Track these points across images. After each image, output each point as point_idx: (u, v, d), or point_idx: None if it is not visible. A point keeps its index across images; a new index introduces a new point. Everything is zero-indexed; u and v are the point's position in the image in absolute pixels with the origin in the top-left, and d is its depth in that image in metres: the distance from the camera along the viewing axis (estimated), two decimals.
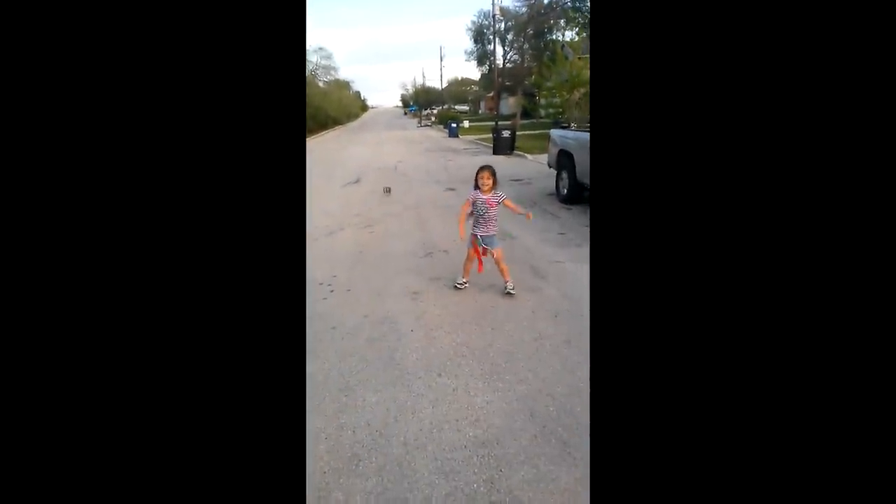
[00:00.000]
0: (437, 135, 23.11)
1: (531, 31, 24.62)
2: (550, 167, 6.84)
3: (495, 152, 12.53)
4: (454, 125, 21.11)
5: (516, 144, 12.77)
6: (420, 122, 35.70)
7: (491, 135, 13.39)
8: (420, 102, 53.58)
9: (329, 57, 34.37)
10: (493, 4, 21.33)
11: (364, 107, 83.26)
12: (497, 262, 3.22)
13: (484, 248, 3.18)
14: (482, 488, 1.60)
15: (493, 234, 3.18)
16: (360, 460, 1.75)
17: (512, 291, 3.21)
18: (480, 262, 3.24)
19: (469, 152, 13.88)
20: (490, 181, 3.11)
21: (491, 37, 26.13)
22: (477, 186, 3.16)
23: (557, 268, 3.72)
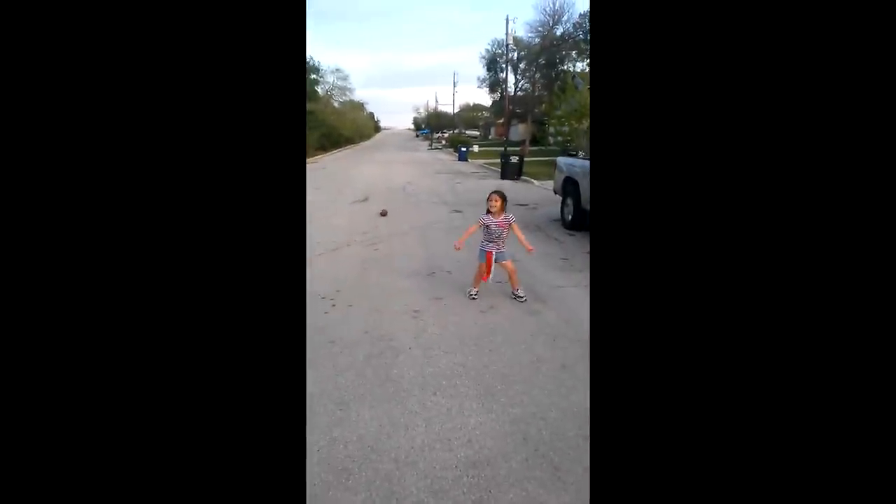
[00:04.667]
0: (447, 158, 23.22)
1: (543, 62, 25.31)
2: (556, 193, 6.89)
3: (503, 177, 12.61)
4: (464, 149, 21.25)
5: (524, 170, 12.85)
6: (431, 145, 36.11)
7: (499, 160, 13.53)
8: (432, 126, 54.19)
9: (345, 78, 35.12)
10: (506, 35, 21.89)
11: (377, 128, 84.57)
12: (511, 273, 3.55)
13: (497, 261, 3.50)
14: None
15: (505, 250, 3.55)
16: (350, 474, 1.73)
17: (521, 296, 3.50)
18: (488, 273, 3.53)
19: (477, 176, 13.92)
20: (498, 203, 3.49)
21: (504, 65, 26.66)
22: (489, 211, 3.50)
23: (558, 292, 3.70)
